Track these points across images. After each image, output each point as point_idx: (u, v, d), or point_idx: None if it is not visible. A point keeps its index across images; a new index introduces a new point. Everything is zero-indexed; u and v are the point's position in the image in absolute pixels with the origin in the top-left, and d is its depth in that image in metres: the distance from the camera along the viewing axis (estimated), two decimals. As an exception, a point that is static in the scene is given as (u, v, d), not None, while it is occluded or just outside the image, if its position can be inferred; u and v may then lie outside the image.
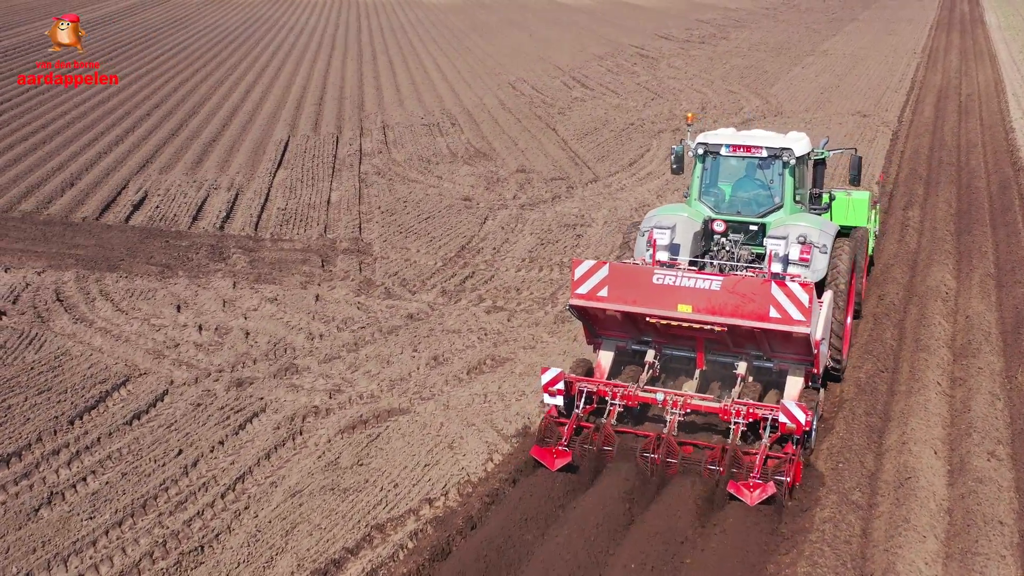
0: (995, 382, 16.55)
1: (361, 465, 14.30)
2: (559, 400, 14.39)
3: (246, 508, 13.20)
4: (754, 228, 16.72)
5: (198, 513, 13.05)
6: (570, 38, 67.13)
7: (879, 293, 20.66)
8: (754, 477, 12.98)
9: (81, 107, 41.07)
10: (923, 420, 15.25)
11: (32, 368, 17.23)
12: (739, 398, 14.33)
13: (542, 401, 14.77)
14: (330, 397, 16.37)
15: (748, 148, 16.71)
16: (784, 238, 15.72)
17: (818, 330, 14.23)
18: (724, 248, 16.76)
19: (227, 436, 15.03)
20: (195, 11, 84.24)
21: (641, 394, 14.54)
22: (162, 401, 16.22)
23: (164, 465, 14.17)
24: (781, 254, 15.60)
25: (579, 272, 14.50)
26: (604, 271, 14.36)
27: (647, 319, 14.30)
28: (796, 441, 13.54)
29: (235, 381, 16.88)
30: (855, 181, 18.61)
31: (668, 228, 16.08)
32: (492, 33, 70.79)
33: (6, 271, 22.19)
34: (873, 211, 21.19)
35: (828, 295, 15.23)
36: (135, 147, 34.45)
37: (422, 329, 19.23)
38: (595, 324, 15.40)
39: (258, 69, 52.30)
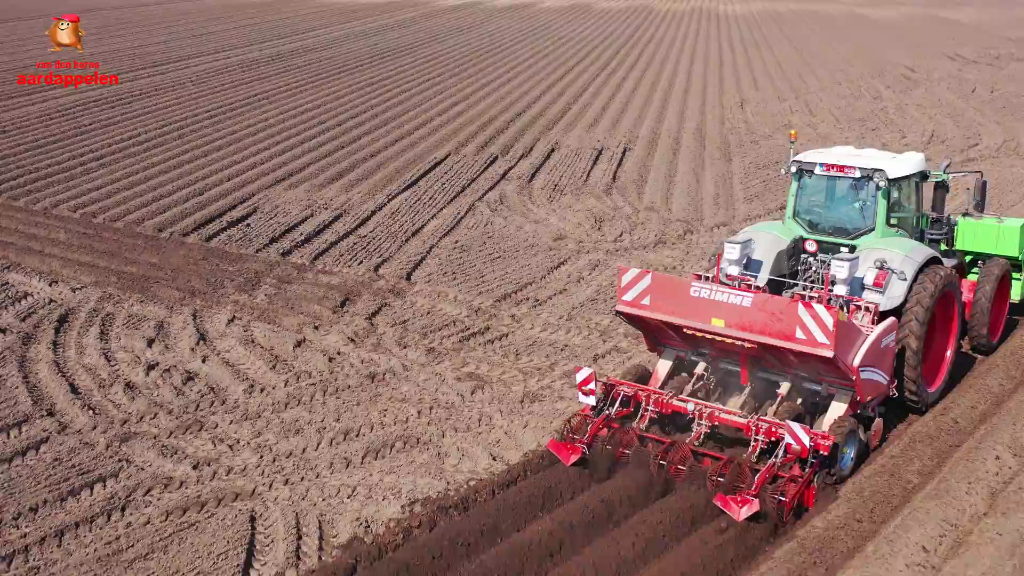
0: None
1: (145, 559, 12.55)
2: (591, 400, 14.58)
3: (-24, 598, 11.84)
4: (844, 249, 16.30)
5: (-75, 596, 11.86)
6: (841, 55, 61.35)
7: (950, 403, 16.15)
8: (749, 493, 12.62)
9: (282, 115, 42.11)
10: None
11: (-45, 398, 16.91)
12: (771, 417, 14.04)
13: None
14: (194, 468, 14.70)
15: (841, 167, 16.39)
16: (849, 261, 15.20)
17: (857, 356, 13.78)
18: (811, 268, 16.60)
19: (47, 502, 13.74)
20: (482, 19, 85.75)
21: (674, 403, 14.51)
22: (35, 451, 15.23)
23: (-49, 531, 13.12)
24: (841, 276, 15.15)
25: (625, 280, 14.76)
26: (647, 280, 14.61)
27: (684, 330, 14.41)
28: (807, 464, 13.20)
29: (122, 435, 15.62)
30: (979, 207, 18.05)
31: (739, 243, 15.87)
32: (760, 47, 66.27)
33: (51, 284, 22.40)
34: None
35: (886, 322, 14.59)
36: (291, 159, 34.49)
37: (368, 394, 17.12)
38: (648, 331, 15.47)
39: (497, 83, 51.39)
